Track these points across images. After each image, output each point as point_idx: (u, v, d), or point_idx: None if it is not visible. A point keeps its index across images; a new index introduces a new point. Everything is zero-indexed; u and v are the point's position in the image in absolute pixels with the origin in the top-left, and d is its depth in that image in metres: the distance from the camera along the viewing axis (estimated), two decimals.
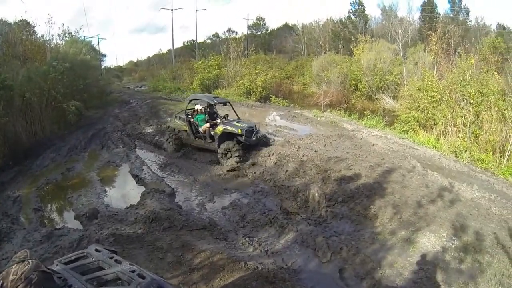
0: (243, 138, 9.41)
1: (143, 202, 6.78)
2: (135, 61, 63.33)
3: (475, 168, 8.92)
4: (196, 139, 10.21)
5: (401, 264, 4.82)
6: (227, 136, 9.59)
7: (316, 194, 6.93)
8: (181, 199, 7.28)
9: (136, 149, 11.01)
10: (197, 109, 10.44)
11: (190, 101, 10.80)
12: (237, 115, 10.82)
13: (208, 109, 10.61)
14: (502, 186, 7.81)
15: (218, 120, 10.12)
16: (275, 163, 8.84)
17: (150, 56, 57.89)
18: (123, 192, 7.92)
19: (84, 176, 8.87)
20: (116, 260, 2.33)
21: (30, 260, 1.73)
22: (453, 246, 5.21)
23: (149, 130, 13.23)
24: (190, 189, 7.87)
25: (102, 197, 7.36)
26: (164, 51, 52.95)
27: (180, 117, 10.62)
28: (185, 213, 6.32)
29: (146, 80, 34.96)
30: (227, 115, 10.48)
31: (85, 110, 14.30)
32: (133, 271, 2.18)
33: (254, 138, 9.67)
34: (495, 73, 12.97)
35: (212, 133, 9.86)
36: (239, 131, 9.44)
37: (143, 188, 7.81)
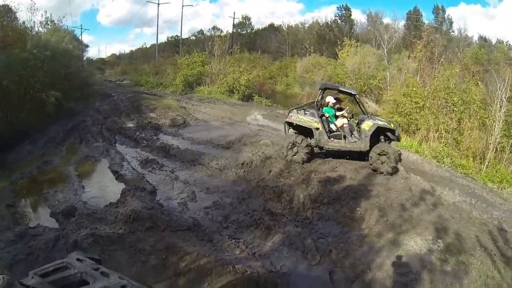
0: (396, 135, 8.30)
1: (123, 200, 6.50)
2: (117, 54, 62.69)
3: (456, 173, 9.29)
4: (331, 139, 8.54)
5: (390, 266, 4.91)
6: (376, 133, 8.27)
7: (301, 195, 6.92)
8: (163, 197, 7.09)
9: (117, 144, 10.70)
10: (329, 102, 9.00)
11: (323, 90, 8.94)
12: (365, 112, 9.09)
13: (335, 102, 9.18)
14: (482, 191, 8.18)
15: (346, 114, 8.90)
16: (259, 163, 8.78)
17: (133, 50, 57.74)
18: (102, 189, 7.57)
19: (61, 171, 8.53)
20: (102, 273, 2.00)
21: (1, 276, 1.56)
22: (438, 248, 5.39)
23: (130, 124, 12.95)
24: (171, 187, 7.70)
25: (80, 194, 7.04)
26: (148, 45, 52.35)
27: (305, 112, 8.81)
28: (167, 213, 6.12)
29: (129, 74, 34.51)
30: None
31: (65, 101, 13.80)
32: (123, 286, 1.89)
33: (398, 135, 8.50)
34: (478, 82, 13.65)
35: (348, 129, 8.50)
36: (392, 126, 8.30)
37: (123, 185, 7.50)
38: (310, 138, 8.62)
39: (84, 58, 35.18)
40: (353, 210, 6.41)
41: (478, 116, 11.27)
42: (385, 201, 6.70)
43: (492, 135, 10.29)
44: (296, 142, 8.50)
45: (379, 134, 8.28)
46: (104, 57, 61.71)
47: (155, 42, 39.47)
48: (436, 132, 11.53)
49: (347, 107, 9.52)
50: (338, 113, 8.91)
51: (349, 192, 7.02)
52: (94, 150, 9.97)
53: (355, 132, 8.68)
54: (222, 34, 34.05)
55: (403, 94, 13.60)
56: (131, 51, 58.11)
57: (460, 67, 17.21)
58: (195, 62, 23.28)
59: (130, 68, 37.47)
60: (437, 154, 10.28)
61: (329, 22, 42.98)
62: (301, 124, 8.57)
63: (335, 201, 6.76)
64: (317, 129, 8.42)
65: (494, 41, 33.13)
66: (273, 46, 45.23)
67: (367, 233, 5.72)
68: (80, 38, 34.59)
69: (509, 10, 46.16)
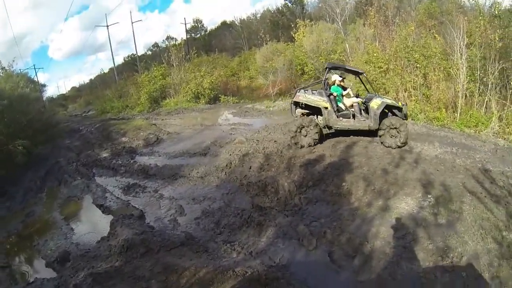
0: (403, 112, 8.28)
1: (113, 232, 6.47)
2: (77, 86, 61.11)
3: (432, 127, 9.56)
4: (340, 118, 8.44)
5: (386, 233, 4.97)
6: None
7: (286, 184, 6.93)
8: (152, 219, 6.99)
9: (95, 177, 10.45)
10: (336, 80, 8.91)
11: (329, 70, 8.94)
12: (371, 91, 9.12)
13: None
14: (460, 138, 8.46)
15: (351, 93, 8.93)
16: (238, 161, 8.73)
17: (92, 78, 56.16)
18: (91, 226, 7.51)
19: (47, 218, 8.33)
20: None
21: None
22: (429, 203, 5.49)
23: (104, 154, 12.65)
24: (158, 206, 7.58)
25: (70, 237, 6.95)
26: (106, 70, 51.33)
27: (312, 92, 8.68)
28: (159, 233, 6.07)
29: (92, 103, 33.58)
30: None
31: (32, 147, 13.25)
32: None
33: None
34: (436, 35, 14.05)
35: (358, 108, 8.50)
36: (400, 104, 8.33)
37: (110, 217, 7.43)
38: (317, 118, 8.56)
39: (44, 98, 34.20)
40: (339, 187, 6.44)
41: (442, 68, 11.58)
42: (368, 170, 6.78)
43: (458, 83, 10.60)
44: (304, 125, 8.46)
45: (386, 111, 8.32)
46: (64, 92, 61.05)
47: (112, 65, 38.69)
48: (405, 92, 11.77)
49: (351, 85, 9.58)
50: (345, 92, 8.88)
51: (332, 169, 7.06)
52: (74, 189, 9.75)
53: (362, 111, 8.67)
54: (177, 43, 33.84)
55: (365, 62, 13.80)
56: (90, 80, 56.77)
57: (415, 25, 17.73)
58: (155, 77, 23.07)
59: (92, 98, 36.49)
60: (410, 112, 10.48)
61: (280, 8, 43.26)
62: (309, 104, 8.48)
63: (320, 182, 6.78)
64: (326, 108, 8.34)
65: None
66: (229, 43, 45.13)
67: (357, 206, 5.77)
68: (36, 79, 33.52)
69: None
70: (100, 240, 6.37)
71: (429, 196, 5.69)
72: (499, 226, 4.94)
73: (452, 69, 11.04)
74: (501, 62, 10.14)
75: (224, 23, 51.05)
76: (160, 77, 23.03)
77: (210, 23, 67.11)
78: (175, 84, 22.79)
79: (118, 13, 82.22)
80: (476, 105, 10.19)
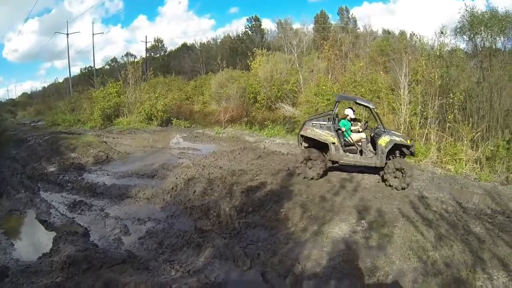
0: (411, 150, 8.41)
1: (56, 248, 6.42)
2: (29, 92, 57.72)
3: None
4: (346, 153, 8.66)
5: (317, 255, 5.33)
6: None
7: (227, 209, 7.20)
8: (96, 237, 6.99)
9: (40, 192, 10.09)
10: (348, 115, 9.14)
11: (337, 103, 9.07)
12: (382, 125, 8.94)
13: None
14: None
15: (360, 128, 9.08)
16: (184, 185, 8.95)
17: (46, 86, 53.44)
18: (33, 241, 7.33)
19: None
20: None
21: None
22: (363, 228, 6.00)
23: (52, 169, 12.24)
24: (103, 225, 7.53)
25: (10, 252, 6.70)
26: (61, 79, 49.34)
27: (321, 125, 8.78)
28: (102, 251, 6.15)
29: (43, 113, 32.77)
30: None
31: None
32: None
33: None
34: (381, 72, 15.50)
35: (365, 145, 8.66)
36: (408, 142, 8.40)
37: (54, 233, 7.31)
38: (324, 152, 8.78)
39: None
40: (277, 213, 6.82)
41: (387, 101, 12.77)
42: (307, 198, 7.29)
43: (401, 116, 11.71)
44: (311, 158, 8.65)
45: (394, 148, 8.47)
46: (14, 97, 57.42)
47: (67, 75, 37.95)
48: None
49: (363, 120, 9.97)
50: (353, 128, 9.09)
51: (272, 196, 7.50)
52: (17, 202, 9.34)
53: (369, 145, 8.89)
54: (135, 60, 34.01)
55: (314, 94, 14.80)
56: (44, 87, 53.97)
57: (367, 60, 19.42)
58: (110, 94, 23.04)
59: (44, 107, 35.55)
60: None
61: (240, 35, 45.15)
62: (317, 139, 8.69)
63: (260, 208, 7.13)
64: (333, 143, 8.58)
65: (397, 33, 37.77)
66: (187, 65, 46.12)
67: (293, 231, 6.13)
68: None
69: (407, 4, 53.78)
70: (41, 256, 6.29)
71: (363, 221, 6.21)
72: (426, 247, 5.47)
73: (396, 104, 12.20)
74: (440, 98, 11.42)
75: (184, 45, 52.35)
76: (115, 94, 23.08)
77: (171, 43, 67.85)
78: (129, 103, 22.97)
79: (80, 21, 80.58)
80: (417, 136, 11.28)
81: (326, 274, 4.90)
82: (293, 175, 8.59)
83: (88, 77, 37.98)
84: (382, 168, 8.39)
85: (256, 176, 8.75)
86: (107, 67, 50.59)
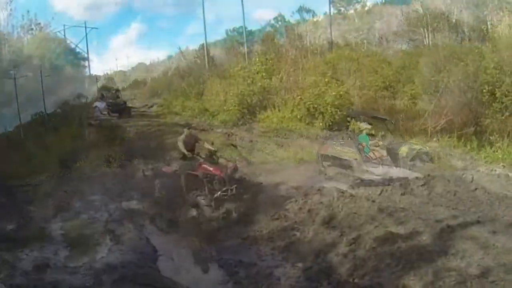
0: (429, 156, 9.09)
1: None
2: (147, 64, 36.90)
3: None
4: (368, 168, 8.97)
5: None
6: None
7: None
8: None
9: None
10: (365, 129, 9.67)
11: (351, 118, 9.94)
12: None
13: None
14: None
15: (380, 143, 9.51)
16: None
17: (173, 55, 32.79)
18: None
19: None
20: None
21: None
22: None
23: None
24: None
25: None
26: (196, 46, 27.83)
27: (340, 143, 9.25)
28: None
29: (161, 94, 22.84)
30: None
31: None
32: None
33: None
34: None
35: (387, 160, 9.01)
36: (428, 148, 9.25)
37: None
38: (346, 169, 9.00)
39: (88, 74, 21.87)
40: None
41: None
42: None
43: None
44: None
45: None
46: (125, 69, 34.92)
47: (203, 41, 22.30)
48: None
49: (380, 134, 9.97)
50: (372, 142, 9.33)
51: None
52: None
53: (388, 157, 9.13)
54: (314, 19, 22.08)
55: None
56: (169, 57, 32.87)
57: None
58: (258, 72, 15.90)
59: (162, 87, 23.99)
60: None
61: None
62: (339, 157, 9.07)
63: None
64: (356, 159, 8.95)
65: None
66: (400, 29, 24.85)
67: None
68: (81, 47, 20.58)
69: None
70: None
71: None
72: None
73: None
74: None
75: None
76: (264, 74, 15.92)
77: None
78: (285, 89, 15.84)
79: None
80: None
81: None
82: None
83: (237, 42, 23.18)
84: None
85: None
86: (269, 28, 26.65)
